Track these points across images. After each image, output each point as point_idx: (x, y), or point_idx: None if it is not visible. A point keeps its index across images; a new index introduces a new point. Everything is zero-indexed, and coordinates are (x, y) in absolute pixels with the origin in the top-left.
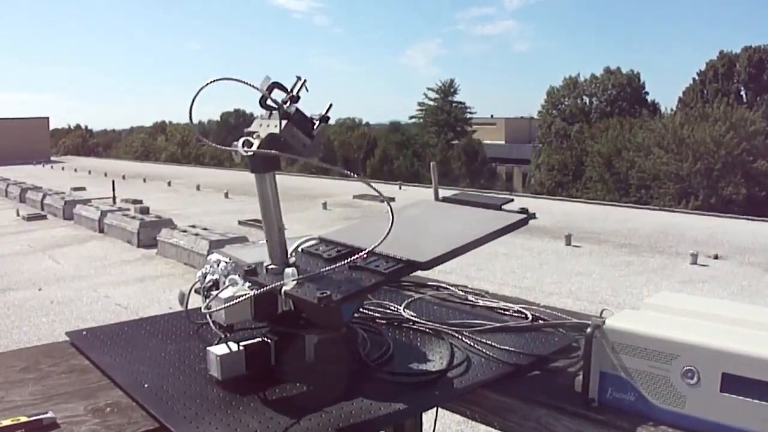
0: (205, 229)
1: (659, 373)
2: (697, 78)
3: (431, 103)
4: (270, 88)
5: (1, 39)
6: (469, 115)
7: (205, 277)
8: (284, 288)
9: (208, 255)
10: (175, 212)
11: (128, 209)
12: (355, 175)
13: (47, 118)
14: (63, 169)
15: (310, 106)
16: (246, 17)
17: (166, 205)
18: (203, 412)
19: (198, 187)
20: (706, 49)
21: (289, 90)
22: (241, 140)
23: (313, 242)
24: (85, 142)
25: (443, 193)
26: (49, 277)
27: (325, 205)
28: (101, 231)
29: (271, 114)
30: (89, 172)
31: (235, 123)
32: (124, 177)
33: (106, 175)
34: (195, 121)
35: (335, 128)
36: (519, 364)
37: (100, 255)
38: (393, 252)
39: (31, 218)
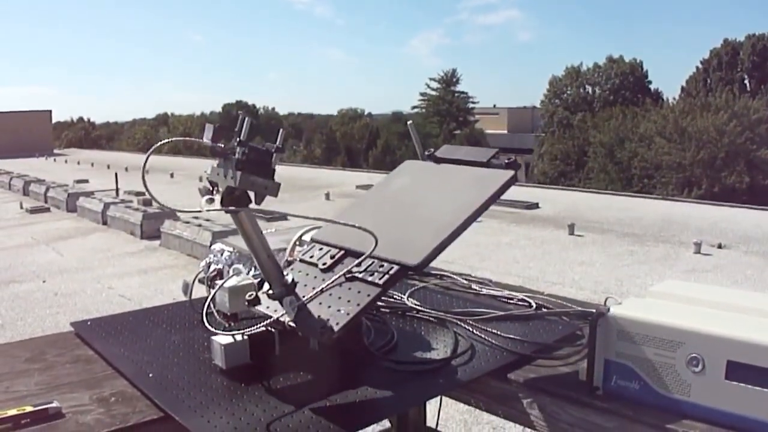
0: (207, 220)
1: (664, 361)
2: (700, 66)
3: (433, 93)
4: (216, 137)
5: (2, 33)
6: (471, 105)
7: (209, 267)
8: (287, 320)
9: (211, 246)
10: (178, 204)
11: (131, 201)
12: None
13: (49, 111)
14: (66, 161)
15: (312, 99)
16: (247, 9)
17: (168, 196)
18: (207, 401)
19: (201, 179)
20: (710, 38)
21: (235, 129)
22: (204, 198)
23: (307, 245)
24: (88, 135)
25: None
26: (52, 269)
27: (327, 196)
28: (104, 223)
29: (226, 161)
30: (92, 165)
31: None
32: (126, 169)
33: (108, 167)
34: (198, 113)
35: (337, 119)
36: (523, 353)
37: (103, 247)
38: (385, 253)
39: (34, 211)
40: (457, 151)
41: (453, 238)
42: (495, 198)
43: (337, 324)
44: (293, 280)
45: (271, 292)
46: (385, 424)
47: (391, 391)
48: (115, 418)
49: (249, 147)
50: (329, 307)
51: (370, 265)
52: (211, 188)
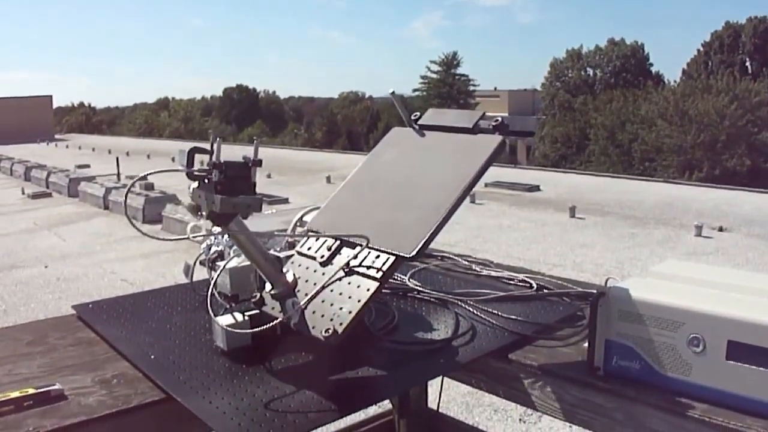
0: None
1: (665, 341)
2: (701, 49)
3: (434, 75)
4: (190, 160)
5: (2, 18)
6: (472, 88)
7: (210, 249)
8: (292, 322)
9: (212, 227)
10: (179, 188)
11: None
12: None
13: (50, 96)
14: (67, 147)
15: (313, 82)
16: None
17: (170, 180)
18: (209, 382)
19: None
20: (711, 20)
21: (208, 150)
22: (190, 225)
23: (304, 237)
24: (89, 120)
25: None
26: (55, 254)
27: (329, 179)
28: (106, 208)
29: (206, 182)
30: (93, 150)
31: (238, 98)
32: (128, 154)
33: (110, 152)
34: (198, 97)
35: (338, 102)
36: (524, 333)
37: (105, 231)
38: (380, 243)
39: (36, 196)
40: (443, 116)
41: (446, 220)
42: (486, 168)
43: (341, 324)
44: (294, 277)
45: (274, 292)
46: (386, 405)
47: (392, 371)
48: (117, 399)
49: (225, 165)
50: (331, 305)
51: (366, 255)
52: (198, 207)
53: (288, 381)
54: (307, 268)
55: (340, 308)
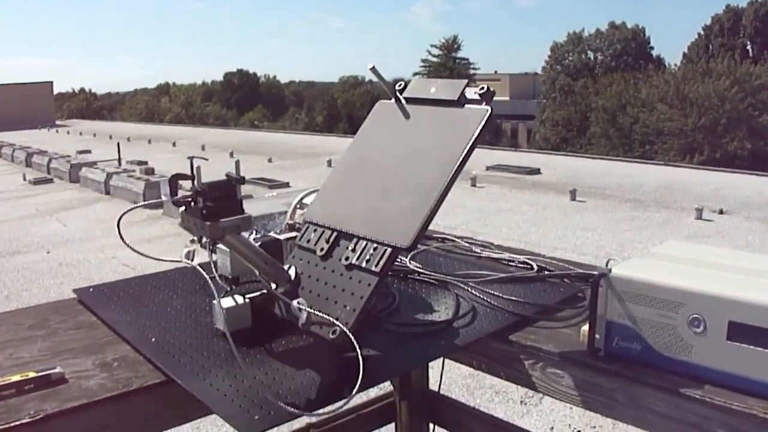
0: None
1: (666, 322)
2: (702, 32)
3: (435, 59)
4: (173, 186)
5: (2, 5)
6: (472, 72)
7: None
8: (300, 323)
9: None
10: (181, 172)
11: (134, 170)
12: None
13: (51, 82)
14: (68, 132)
15: (313, 66)
16: None
17: (171, 165)
18: (210, 364)
19: (203, 147)
20: (712, 3)
21: (190, 176)
22: (184, 251)
23: (303, 228)
24: (90, 106)
25: None
26: (56, 239)
27: (329, 163)
28: (107, 193)
29: (193, 207)
30: (94, 135)
31: (239, 83)
32: (129, 139)
33: (111, 137)
34: (199, 82)
35: (338, 86)
36: (525, 314)
37: (106, 217)
38: (375, 233)
39: (37, 182)
40: (428, 87)
41: (439, 204)
42: (476, 144)
43: (347, 324)
44: (297, 273)
45: (280, 291)
46: (387, 387)
47: (393, 353)
48: (117, 382)
49: (208, 187)
50: (335, 302)
51: (364, 247)
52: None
53: (289, 363)
54: (308, 262)
55: (345, 306)
